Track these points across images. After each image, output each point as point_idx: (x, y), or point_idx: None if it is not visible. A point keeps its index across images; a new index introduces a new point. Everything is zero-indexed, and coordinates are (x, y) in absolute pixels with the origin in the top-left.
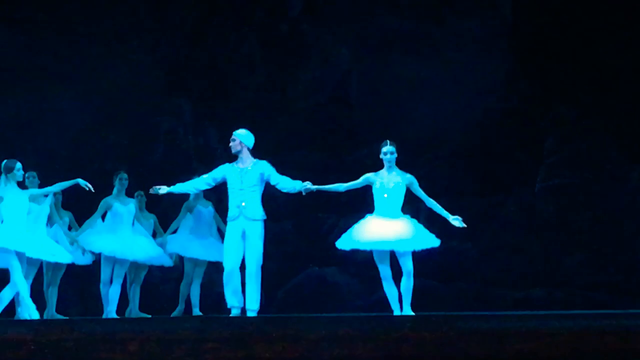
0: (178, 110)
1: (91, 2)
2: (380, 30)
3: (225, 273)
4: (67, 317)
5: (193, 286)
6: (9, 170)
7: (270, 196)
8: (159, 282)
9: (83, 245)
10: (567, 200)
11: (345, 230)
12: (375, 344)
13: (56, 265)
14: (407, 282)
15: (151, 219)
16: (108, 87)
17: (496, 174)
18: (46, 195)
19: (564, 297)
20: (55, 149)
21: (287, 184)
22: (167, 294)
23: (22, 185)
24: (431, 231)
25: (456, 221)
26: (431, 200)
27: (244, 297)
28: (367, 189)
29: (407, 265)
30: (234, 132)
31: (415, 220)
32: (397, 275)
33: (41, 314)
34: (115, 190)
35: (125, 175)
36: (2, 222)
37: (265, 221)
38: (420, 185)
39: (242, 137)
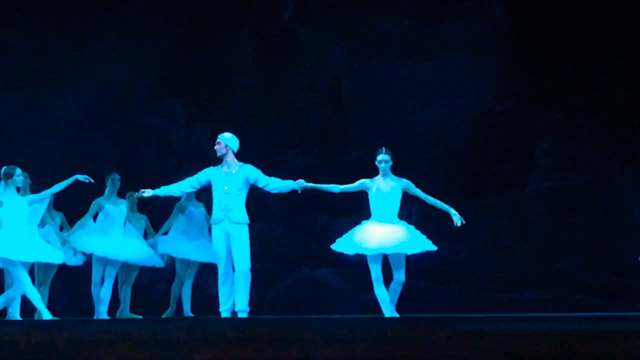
0: (170, 112)
1: (85, 4)
2: (373, 32)
3: (221, 276)
4: (58, 318)
5: (184, 287)
6: (9, 176)
7: (260, 198)
8: (150, 283)
9: (74, 245)
10: (558, 202)
11: (336, 232)
12: (366, 346)
13: (47, 266)
14: (397, 288)
15: (142, 220)
16: (100, 89)
17: (488, 176)
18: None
19: (555, 299)
20: (47, 150)
21: (279, 184)
22: (158, 295)
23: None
24: (422, 233)
25: (455, 217)
26: (430, 197)
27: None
28: (361, 193)
29: (400, 276)
30: (219, 136)
31: (412, 226)
32: (386, 278)
33: (32, 315)
34: (107, 191)
35: (117, 176)
36: (1, 227)
37: (249, 225)
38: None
39: (227, 141)
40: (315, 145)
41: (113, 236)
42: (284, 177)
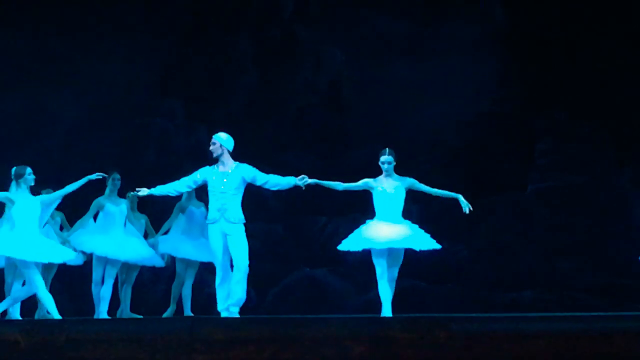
0: (170, 112)
1: (85, 5)
2: (373, 33)
3: (218, 276)
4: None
5: (185, 287)
6: (20, 175)
7: (260, 198)
8: (150, 283)
9: (75, 245)
10: (558, 202)
11: (336, 232)
12: (366, 345)
13: (47, 265)
14: (391, 284)
15: (143, 220)
16: (100, 89)
17: (488, 176)
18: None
19: (555, 299)
20: (47, 150)
21: (280, 181)
22: (158, 294)
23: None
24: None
25: (464, 203)
26: (435, 189)
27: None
28: (360, 192)
29: (394, 272)
30: (213, 136)
31: (416, 225)
32: None
33: (32, 315)
34: (107, 191)
35: (117, 176)
36: (13, 227)
37: (245, 224)
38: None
39: (223, 141)
40: (315, 146)
41: (113, 236)
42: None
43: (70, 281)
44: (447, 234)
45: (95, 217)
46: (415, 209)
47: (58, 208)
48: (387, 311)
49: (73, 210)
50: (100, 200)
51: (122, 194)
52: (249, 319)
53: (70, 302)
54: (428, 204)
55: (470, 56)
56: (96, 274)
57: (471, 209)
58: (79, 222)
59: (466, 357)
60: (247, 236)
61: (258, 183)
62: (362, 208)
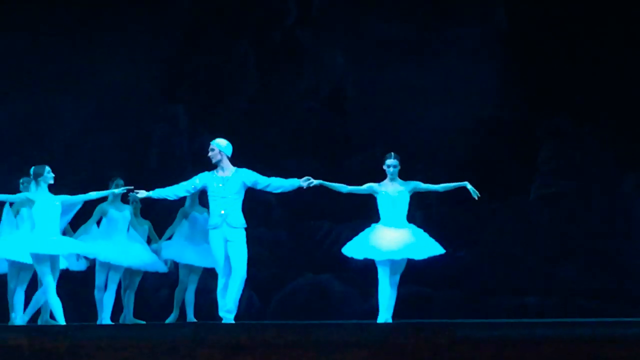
0: (173, 117)
1: (87, 8)
2: (375, 37)
3: (220, 282)
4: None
5: (188, 292)
6: (39, 175)
7: (263, 204)
8: (153, 289)
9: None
10: (561, 208)
11: (339, 238)
12: (370, 351)
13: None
14: (393, 294)
15: (146, 225)
16: (103, 93)
17: (491, 182)
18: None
19: (558, 304)
20: (49, 155)
21: (283, 183)
22: (161, 300)
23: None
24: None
25: (472, 189)
26: (440, 185)
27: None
28: (364, 198)
29: (396, 278)
30: (211, 142)
31: (420, 230)
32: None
33: (35, 320)
34: (110, 196)
35: (121, 182)
36: (33, 228)
37: (246, 230)
38: (415, 194)
39: (221, 147)
40: (318, 151)
41: (116, 241)
42: None
43: (73, 287)
44: (450, 240)
45: (98, 223)
46: (419, 214)
47: None
48: (383, 316)
49: (76, 216)
50: (103, 205)
51: (125, 199)
52: (253, 324)
53: (73, 307)
54: (431, 210)
55: (472, 61)
56: (99, 280)
57: (479, 195)
58: (82, 227)
59: None
60: (251, 242)
61: (260, 186)
62: (366, 214)
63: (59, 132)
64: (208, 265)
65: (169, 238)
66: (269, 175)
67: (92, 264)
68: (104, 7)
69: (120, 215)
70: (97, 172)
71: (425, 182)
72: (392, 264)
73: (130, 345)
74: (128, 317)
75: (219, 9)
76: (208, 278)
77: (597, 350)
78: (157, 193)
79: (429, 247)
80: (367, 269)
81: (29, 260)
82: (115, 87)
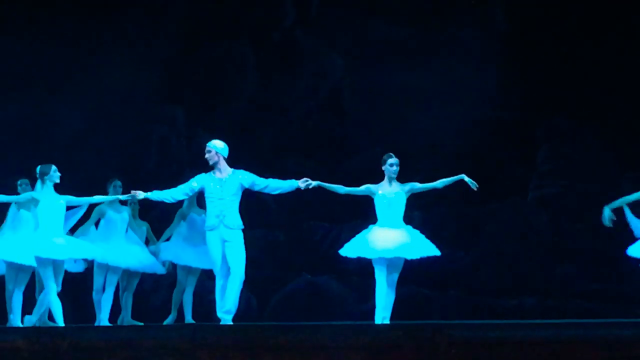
0: (171, 118)
1: (85, 10)
2: (374, 39)
3: (217, 284)
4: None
5: (186, 294)
6: (45, 173)
7: (261, 205)
8: (151, 290)
9: None
10: (560, 208)
11: (338, 239)
12: (368, 353)
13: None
14: (392, 294)
15: (144, 227)
16: (101, 95)
17: (489, 182)
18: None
19: (557, 305)
20: (47, 157)
21: (281, 184)
22: (159, 301)
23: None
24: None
25: (470, 181)
26: (436, 182)
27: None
28: (362, 199)
29: (394, 278)
30: (208, 144)
31: (417, 231)
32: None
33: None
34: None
35: (119, 183)
36: (37, 228)
37: (243, 231)
38: (413, 194)
39: (218, 148)
40: (316, 152)
41: (115, 243)
42: None
43: (72, 288)
44: (449, 241)
45: (96, 224)
46: (417, 215)
47: None
48: (380, 316)
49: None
50: (101, 207)
51: (123, 201)
52: (251, 326)
53: (71, 309)
54: (429, 211)
55: (471, 62)
56: (97, 281)
57: (477, 186)
58: (80, 229)
59: None
60: (249, 243)
61: (257, 188)
62: (363, 215)
63: (57, 134)
64: (206, 266)
65: (167, 239)
66: (267, 177)
67: (90, 265)
68: (102, 9)
69: (118, 217)
70: (96, 174)
71: (423, 183)
72: (389, 264)
73: (128, 346)
74: (126, 318)
75: (217, 10)
76: (206, 279)
77: (597, 351)
78: (155, 195)
79: (423, 248)
80: (365, 270)
81: (27, 262)
82: (114, 89)
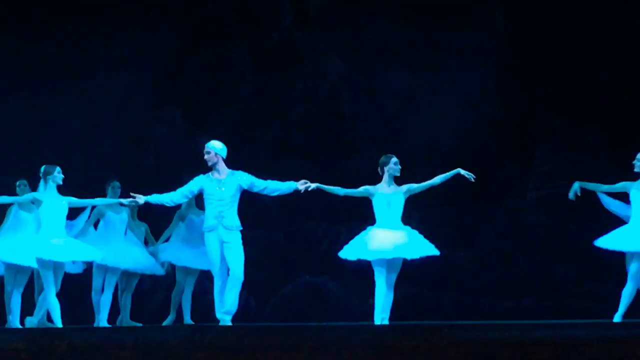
0: (169, 119)
1: (83, 11)
2: (372, 40)
3: (216, 285)
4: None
5: (184, 295)
6: (48, 174)
7: (260, 205)
8: (150, 291)
9: None
10: (558, 209)
11: (336, 240)
12: (366, 353)
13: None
14: (390, 295)
15: (143, 228)
16: (99, 96)
17: (487, 183)
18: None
19: (555, 306)
20: (46, 158)
21: (280, 186)
22: (158, 302)
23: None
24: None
25: (466, 173)
26: (432, 180)
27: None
28: (361, 199)
29: (392, 278)
30: (207, 145)
31: (415, 231)
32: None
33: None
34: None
35: (117, 184)
36: (39, 228)
37: (242, 232)
38: (412, 195)
39: (217, 149)
40: (314, 153)
41: (114, 244)
42: None
43: (70, 289)
44: (446, 241)
45: (95, 225)
46: (415, 216)
47: None
48: (379, 317)
49: (74, 218)
50: (100, 208)
51: None
52: (249, 327)
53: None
54: (428, 212)
55: (469, 63)
56: (96, 282)
57: (474, 176)
58: (79, 230)
59: None
60: (247, 244)
61: (256, 189)
62: (362, 215)
63: (55, 135)
64: (205, 267)
65: (166, 240)
66: (265, 178)
67: (89, 266)
68: (100, 10)
69: (117, 218)
70: (94, 174)
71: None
72: (388, 264)
73: (127, 347)
74: (125, 319)
75: (215, 11)
76: (205, 280)
77: (595, 352)
78: (155, 198)
79: (422, 247)
80: (364, 271)
81: (26, 263)
82: (112, 90)
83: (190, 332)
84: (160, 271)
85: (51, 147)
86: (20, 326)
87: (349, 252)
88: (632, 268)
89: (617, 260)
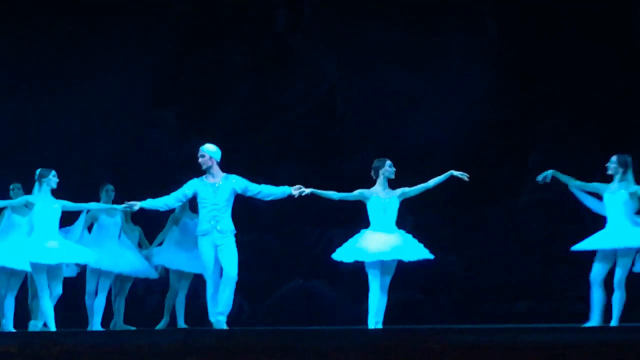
0: (164, 122)
1: (78, 14)
2: (367, 42)
3: (209, 288)
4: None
5: (178, 298)
6: (43, 176)
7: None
8: (144, 295)
9: None
10: (553, 212)
11: (330, 243)
12: (360, 357)
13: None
14: (384, 298)
15: (136, 231)
16: (93, 99)
17: (483, 186)
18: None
19: (550, 310)
20: (40, 161)
21: (274, 191)
22: (152, 306)
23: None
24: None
25: (460, 174)
26: (426, 183)
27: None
28: (355, 203)
29: (386, 281)
30: (201, 148)
31: (410, 235)
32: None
33: (25, 326)
34: (101, 202)
35: (111, 187)
36: (32, 231)
37: (235, 235)
38: (405, 198)
39: (211, 153)
40: (309, 156)
41: (107, 247)
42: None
43: (64, 293)
44: (441, 245)
45: (89, 229)
46: (410, 220)
47: None
48: (372, 321)
49: (67, 222)
50: (94, 211)
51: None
52: (243, 330)
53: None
54: (422, 215)
55: (464, 66)
56: (90, 286)
57: (468, 176)
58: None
59: None
60: (241, 247)
61: (250, 194)
62: (357, 219)
63: (49, 138)
64: (199, 271)
65: (160, 244)
66: (260, 182)
67: (82, 270)
68: (96, 12)
69: (111, 221)
70: (88, 178)
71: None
72: (382, 267)
73: (121, 351)
74: (118, 323)
75: (211, 13)
76: (198, 284)
77: (590, 355)
78: (149, 203)
79: (418, 251)
80: (358, 275)
81: (20, 266)
82: (107, 92)
83: (184, 336)
84: (154, 275)
85: (44, 149)
86: (13, 330)
87: (345, 254)
88: (616, 274)
89: (613, 265)
